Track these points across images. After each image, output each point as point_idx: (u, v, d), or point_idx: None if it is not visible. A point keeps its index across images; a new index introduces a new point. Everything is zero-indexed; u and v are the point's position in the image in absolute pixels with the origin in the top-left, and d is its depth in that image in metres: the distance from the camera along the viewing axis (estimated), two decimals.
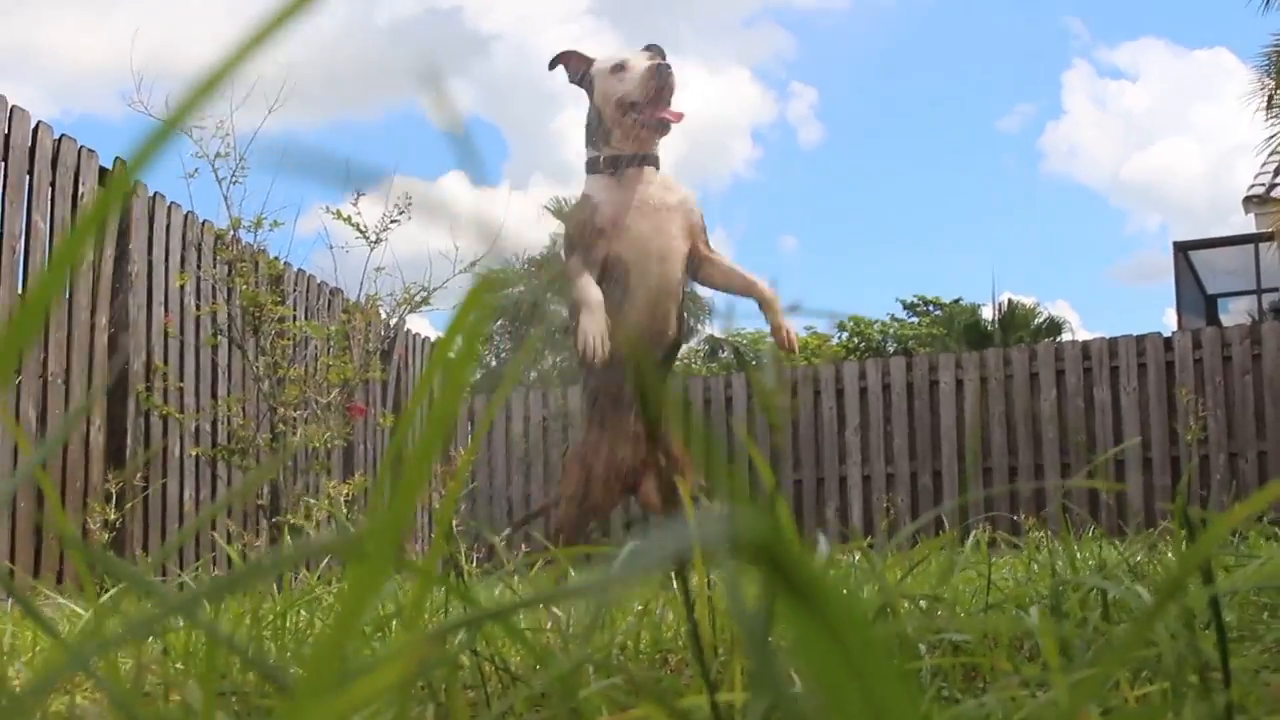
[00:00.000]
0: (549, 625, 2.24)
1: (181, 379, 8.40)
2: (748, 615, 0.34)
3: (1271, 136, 13.78)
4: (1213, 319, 20.88)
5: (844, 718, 0.31)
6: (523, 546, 3.91)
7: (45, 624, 0.79)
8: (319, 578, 3.72)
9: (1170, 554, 3.35)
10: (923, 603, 1.89)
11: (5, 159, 6.93)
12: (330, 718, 0.50)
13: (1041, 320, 40.92)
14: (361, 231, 8.46)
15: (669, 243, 4.89)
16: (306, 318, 9.70)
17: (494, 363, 39.34)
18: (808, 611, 0.32)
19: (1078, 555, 2.71)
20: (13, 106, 6.97)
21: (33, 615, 0.81)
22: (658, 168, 5.00)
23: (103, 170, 7.70)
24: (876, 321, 45.24)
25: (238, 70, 0.48)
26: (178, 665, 1.88)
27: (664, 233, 4.87)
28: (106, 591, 3.00)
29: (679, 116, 4.90)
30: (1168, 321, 40.76)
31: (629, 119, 4.88)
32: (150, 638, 2.05)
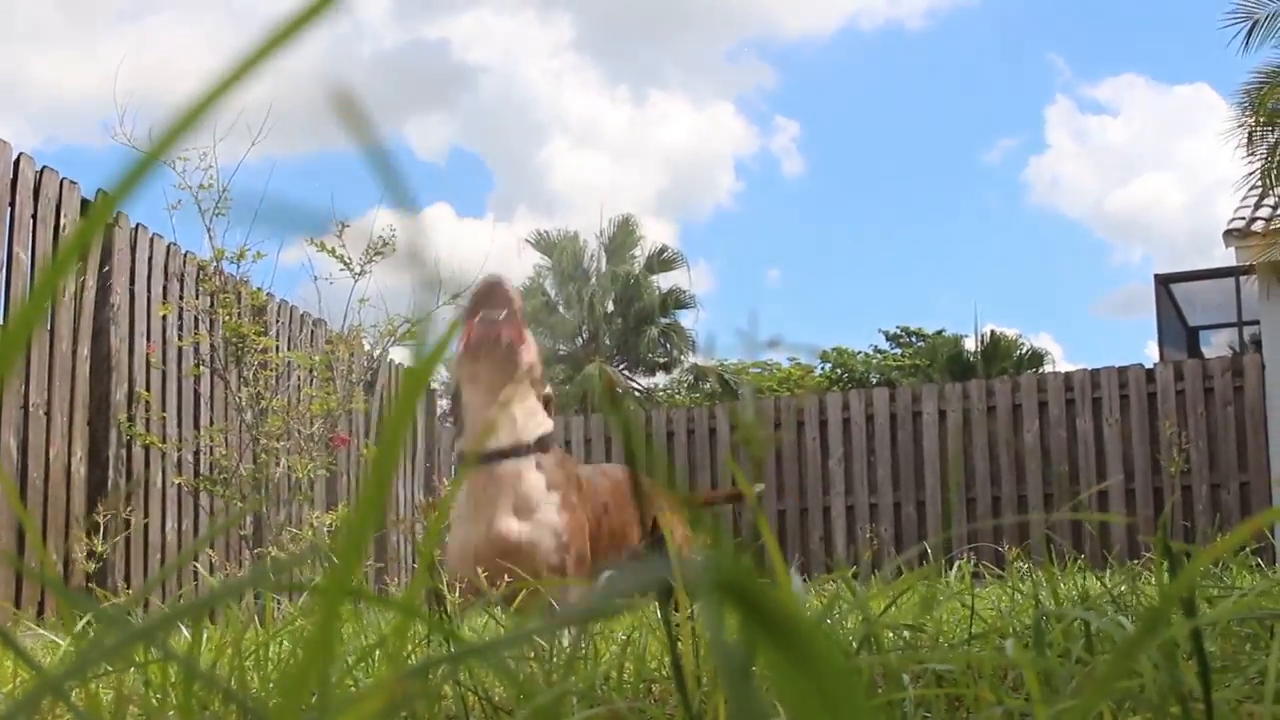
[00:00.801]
0: (532, 655, 2.24)
1: (164, 409, 8.37)
2: (726, 649, 0.34)
3: (1251, 172, 13.86)
4: (1194, 351, 20.94)
5: None
6: (505, 578, 3.88)
7: (22, 653, 0.78)
8: (300, 608, 3.70)
9: (1153, 585, 3.36)
10: (906, 633, 1.89)
11: None
12: None
13: (1024, 352, 41.07)
14: (345, 263, 8.46)
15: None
16: (289, 349, 9.68)
17: None
18: (784, 648, 0.32)
19: (1061, 586, 2.71)
20: None
21: (10, 645, 0.81)
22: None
23: (84, 201, 7.69)
24: (860, 353, 45.34)
25: (220, 103, 0.48)
26: (157, 698, 1.87)
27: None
28: (87, 623, 2.99)
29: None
30: (1150, 354, 40.91)
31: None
32: (130, 669, 2.04)
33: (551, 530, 4.34)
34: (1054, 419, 12.53)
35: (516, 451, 4.47)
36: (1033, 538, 11.09)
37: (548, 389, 4.76)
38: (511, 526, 4.33)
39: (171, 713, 1.34)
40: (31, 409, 7.15)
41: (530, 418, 4.54)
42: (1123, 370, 12.46)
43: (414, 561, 11.35)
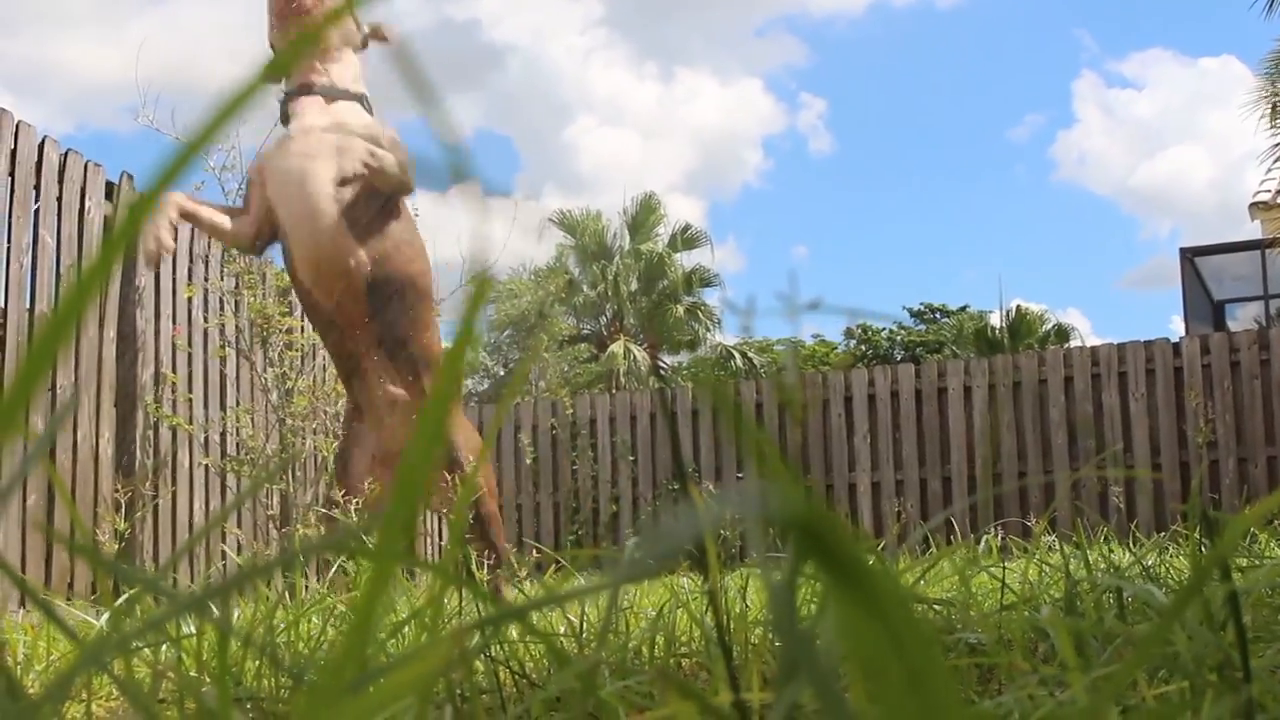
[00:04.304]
0: (563, 631, 2.24)
1: (190, 391, 8.40)
2: (778, 592, 0.34)
3: (1276, 144, 13.75)
4: (1220, 325, 20.84)
5: (887, 697, 0.31)
6: (532, 553, 3.89)
7: (64, 626, 0.79)
8: (328, 586, 3.72)
9: (1181, 558, 3.35)
10: (937, 605, 1.89)
11: (12, 174, 6.94)
12: (353, 718, 0.50)
13: (1049, 327, 40.90)
14: None
15: (312, 170, 4.59)
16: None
17: (502, 372, 39.35)
18: (848, 589, 0.32)
19: (1090, 558, 2.71)
20: (19, 122, 6.98)
21: (52, 618, 0.81)
22: (327, 97, 4.64)
23: (109, 184, 7.71)
24: (884, 329, 45.20)
25: (260, 93, 0.48)
26: (192, 674, 1.88)
27: (308, 163, 4.58)
28: (121, 599, 3.00)
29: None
30: (1175, 328, 40.71)
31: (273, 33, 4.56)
32: (165, 644, 2.05)
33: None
34: (1079, 394, 12.48)
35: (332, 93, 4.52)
36: (1059, 512, 11.06)
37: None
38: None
39: (207, 684, 1.35)
40: (58, 391, 7.19)
41: (346, 69, 4.57)
42: (1149, 345, 12.40)
43: (443, 538, 11.38)
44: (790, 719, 0.56)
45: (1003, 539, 4.62)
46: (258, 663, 1.88)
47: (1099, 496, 11.90)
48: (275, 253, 8.25)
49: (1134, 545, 4.35)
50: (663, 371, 40.58)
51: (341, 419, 8.30)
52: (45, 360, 0.47)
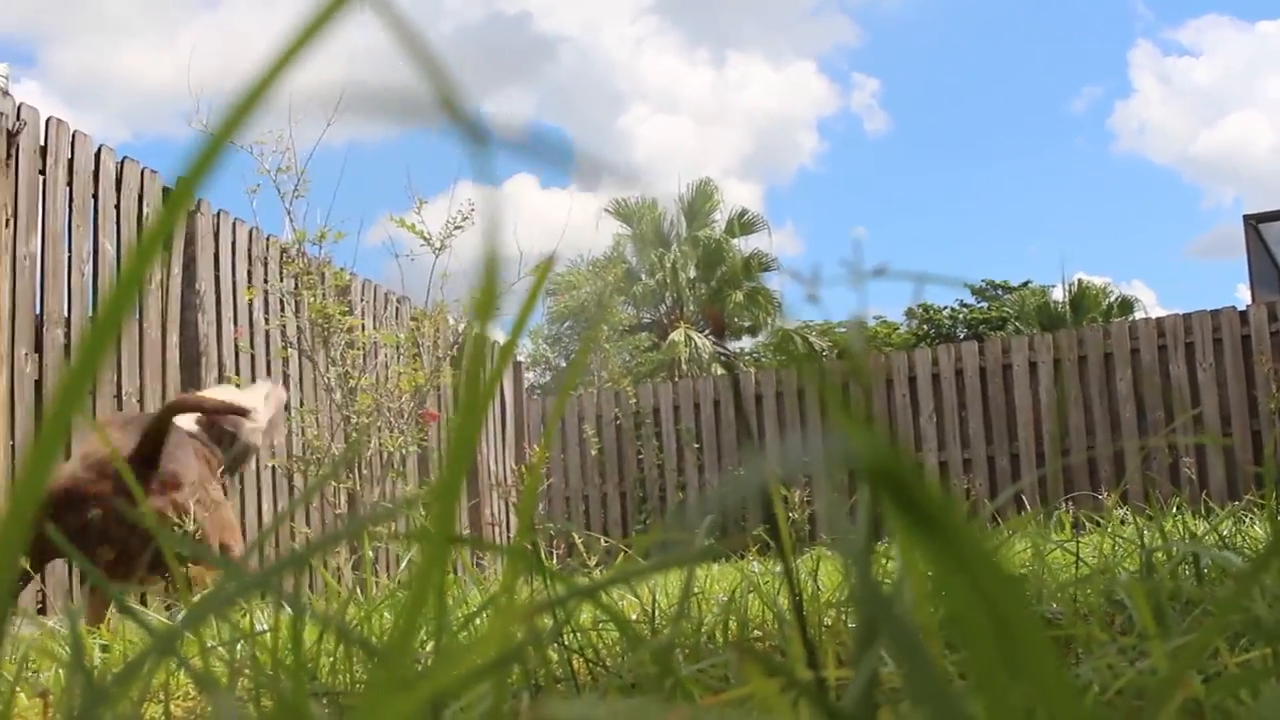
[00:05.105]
0: (635, 618, 2.24)
1: None
2: (856, 544, 0.33)
3: None
4: None
5: (975, 643, 0.30)
6: (601, 541, 3.89)
7: (138, 617, 0.79)
8: (399, 582, 3.73)
9: (1259, 525, 3.30)
10: None
11: (70, 183, 7.02)
12: (428, 695, 0.49)
13: (1113, 299, 40.50)
14: (426, 239, 8.49)
15: None
16: (375, 327, 9.76)
17: (563, 364, 39.44)
18: (930, 534, 0.31)
19: (1164, 528, 2.67)
20: (75, 131, 7.06)
21: (129, 614, 0.81)
22: None
23: (166, 190, 7.77)
24: (945, 308, 44.93)
25: (280, 81, 0.47)
26: (266, 671, 1.88)
27: None
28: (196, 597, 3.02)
29: None
30: (1242, 296, 40.19)
31: None
32: (240, 642, 2.06)
33: None
34: (1146, 366, 12.34)
35: None
36: (1130, 485, 10.95)
37: None
38: None
39: (283, 679, 1.35)
40: (125, 398, 7.26)
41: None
42: (1215, 314, 12.24)
43: (511, 528, 11.43)
44: (869, 692, 0.55)
45: (1074, 514, 4.58)
46: (332, 659, 1.89)
47: (1170, 468, 11.76)
48: (334, 250, 8.30)
49: (1207, 516, 4.29)
50: (725, 357, 40.56)
51: (405, 416, 8.35)
52: (94, 362, 0.47)
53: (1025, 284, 44.18)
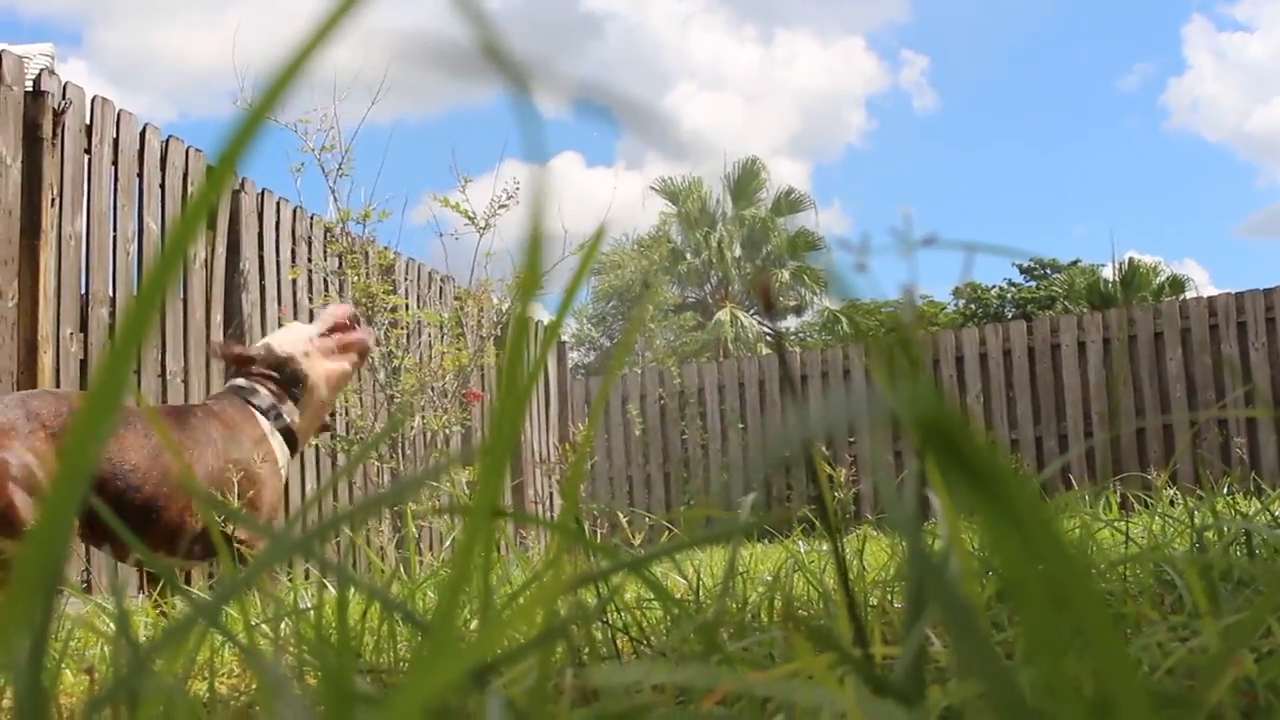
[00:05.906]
0: (679, 596, 2.23)
1: None
2: (904, 504, 0.32)
3: None
4: None
5: (1028, 609, 0.29)
6: (645, 520, 3.89)
7: (185, 592, 0.78)
8: (442, 560, 3.74)
9: None
10: None
11: (115, 162, 7.05)
12: (472, 664, 0.48)
13: (1164, 279, 40.13)
14: (470, 218, 8.49)
15: None
16: (419, 306, 9.78)
17: (608, 344, 39.48)
18: (982, 493, 0.30)
19: (1215, 507, 2.64)
20: (120, 110, 7.09)
21: (175, 588, 0.81)
22: None
23: (210, 169, 7.80)
24: (993, 286, 44.64)
25: (317, 56, 0.46)
26: (308, 648, 1.89)
27: None
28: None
29: None
30: None
31: None
32: (285, 620, 2.07)
33: None
34: (1198, 345, 12.23)
35: None
36: (1180, 466, 10.87)
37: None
38: None
39: (329, 655, 1.35)
40: (169, 376, 7.30)
41: None
42: (1269, 293, 12.11)
43: (554, 507, 11.45)
44: (918, 666, 0.54)
45: (1122, 495, 4.54)
46: (375, 637, 1.89)
47: (1220, 447, 11.65)
48: (378, 229, 8.32)
49: (1259, 496, 4.25)
50: (772, 334, 40.46)
51: (449, 396, 8.37)
52: (137, 337, 0.46)
53: (1074, 262, 43.82)
